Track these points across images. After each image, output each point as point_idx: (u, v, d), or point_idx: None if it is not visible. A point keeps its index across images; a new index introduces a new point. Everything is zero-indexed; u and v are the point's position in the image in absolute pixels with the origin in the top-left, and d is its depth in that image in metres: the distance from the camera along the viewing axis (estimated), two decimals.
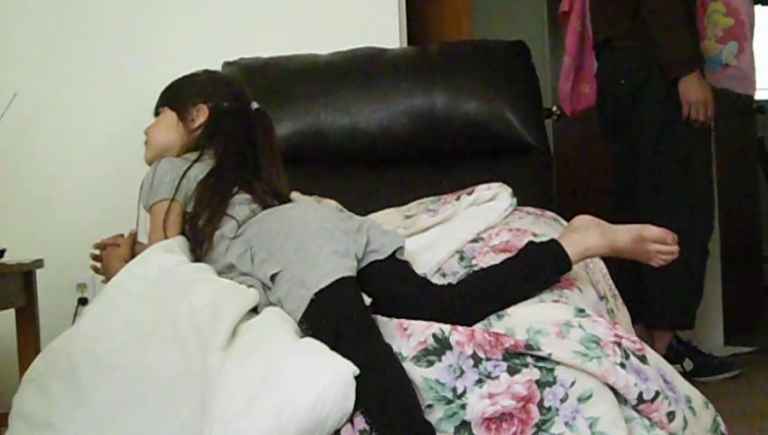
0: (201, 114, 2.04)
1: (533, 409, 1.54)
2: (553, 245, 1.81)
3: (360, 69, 2.70)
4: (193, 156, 1.99)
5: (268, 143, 2.06)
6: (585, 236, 1.82)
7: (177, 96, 2.08)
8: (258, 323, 1.62)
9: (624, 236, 1.83)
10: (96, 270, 2.03)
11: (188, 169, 1.94)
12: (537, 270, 1.78)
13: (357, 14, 3.02)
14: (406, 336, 1.60)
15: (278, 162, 2.06)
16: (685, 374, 3.12)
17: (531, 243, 1.84)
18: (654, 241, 1.83)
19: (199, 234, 1.87)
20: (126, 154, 2.05)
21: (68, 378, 1.64)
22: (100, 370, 1.63)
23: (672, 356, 3.20)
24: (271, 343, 1.55)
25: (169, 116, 2.05)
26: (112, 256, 1.98)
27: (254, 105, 2.09)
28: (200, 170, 1.95)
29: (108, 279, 1.99)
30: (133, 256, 1.94)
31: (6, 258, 2.41)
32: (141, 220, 2.00)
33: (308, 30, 3.01)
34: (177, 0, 3.02)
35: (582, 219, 1.88)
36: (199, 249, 1.86)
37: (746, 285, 4.36)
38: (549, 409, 1.55)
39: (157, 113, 2.10)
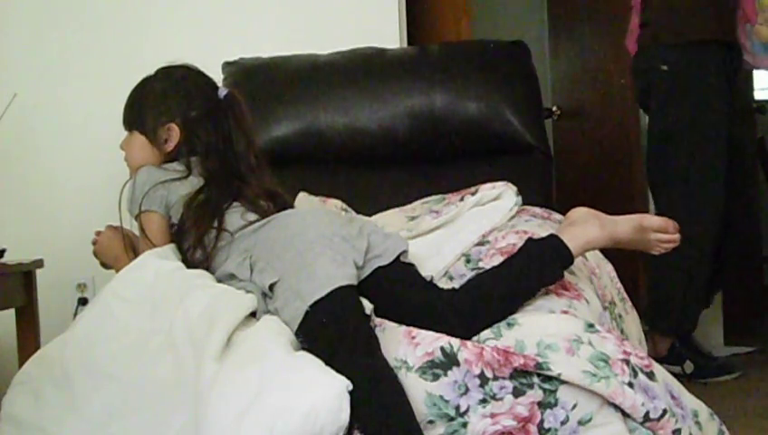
0: (173, 135, 1.97)
1: (533, 429, 1.54)
2: (554, 240, 1.79)
3: (360, 69, 2.70)
4: (173, 166, 1.95)
5: (241, 130, 2.00)
6: (585, 228, 1.81)
7: (141, 118, 1.99)
8: (253, 334, 1.60)
9: (624, 226, 1.82)
10: (97, 256, 2.01)
11: (170, 180, 1.91)
12: (540, 267, 1.76)
13: (357, 14, 3.03)
14: (413, 344, 1.58)
15: (255, 147, 2.01)
16: (686, 376, 3.13)
17: (530, 240, 1.83)
18: (654, 230, 1.82)
19: (187, 256, 1.85)
20: (124, 159, 2.05)
21: (61, 384, 1.63)
22: (94, 377, 1.61)
23: (673, 358, 3.20)
24: (265, 356, 1.53)
25: (139, 140, 1.99)
26: (111, 236, 1.98)
27: (222, 92, 2.02)
28: (187, 186, 1.91)
29: (104, 263, 2.00)
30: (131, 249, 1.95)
31: (6, 258, 2.40)
32: (126, 225, 1.99)
33: (308, 30, 3.01)
34: (177, 0, 3.03)
35: (579, 212, 1.87)
36: (187, 265, 1.84)
37: (746, 285, 4.36)
38: (548, 430, 1.54)
39: (126, 128, 2.04)
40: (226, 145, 1.98)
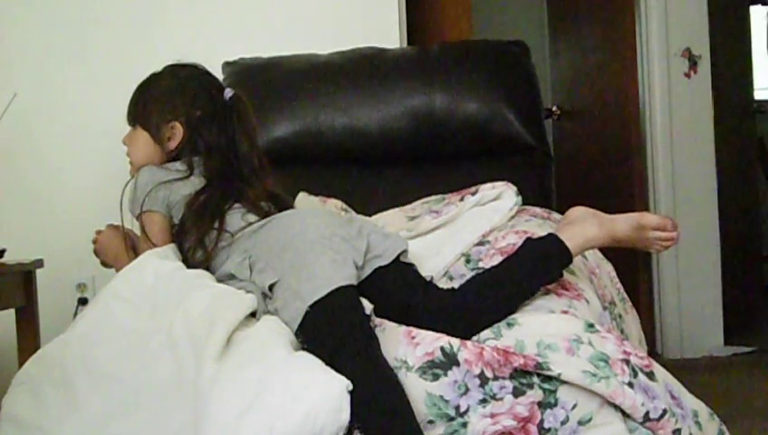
0: (176, 134, 1.96)
1: (533, 429, 1.54)
2: (552, 239, 1.79)
3: (360, 69, 2.69)
4: (176, 166, 1.95)
5: (245, 132, 1.99)
6: (583, 227, 1.81)
7: (145, 114, 1.99)
8: (253, 335, 1.60)
9: (622, 225, 1.82)
10: (97, 255, 2.00)
11: (172, 180, 1.90)
12: (539, 266, 1.76)
13: (357, 14, 3.03)
14: (413, 344, 1.58)
15: (258, 150, 2.01)
16: None
17: (529, 239, 1.83)
18: (653, 228, 1.82)
19: (188, 256, 1.85)
20: (126, 154, 2.05)
21: (61, 384, 1.63)
22: (93, 377, 1.62)
23: None
24: (265, 356, 1.53)
25: (143, 136, 1.98)
26: (111, 235, 1.97)
27: (228, 93, 2.02)
28: (189, 187, 1.90)
29: (105, 262, 1.99)
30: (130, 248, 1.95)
31: (6, 258, 2.40)
32: (127, 225, 1.98)
33: (308, 30, 3.01)
34: (177, 0, 3.03)
35: (578, 211, 1.88)
36: (187, 265, 1.84)
37: (746, 284, 4.36)
38: (548, 430, 1.55)
39: (130, 123, 2.03)
40: (230, 146, 1.98)
